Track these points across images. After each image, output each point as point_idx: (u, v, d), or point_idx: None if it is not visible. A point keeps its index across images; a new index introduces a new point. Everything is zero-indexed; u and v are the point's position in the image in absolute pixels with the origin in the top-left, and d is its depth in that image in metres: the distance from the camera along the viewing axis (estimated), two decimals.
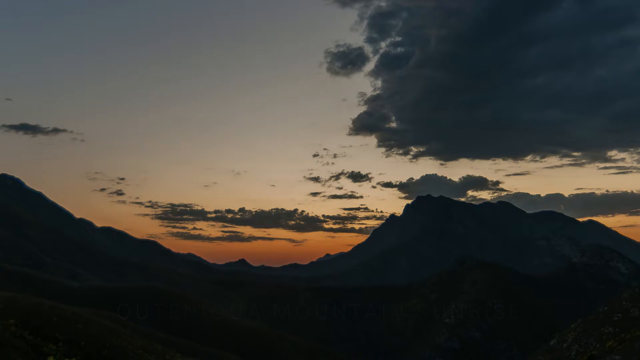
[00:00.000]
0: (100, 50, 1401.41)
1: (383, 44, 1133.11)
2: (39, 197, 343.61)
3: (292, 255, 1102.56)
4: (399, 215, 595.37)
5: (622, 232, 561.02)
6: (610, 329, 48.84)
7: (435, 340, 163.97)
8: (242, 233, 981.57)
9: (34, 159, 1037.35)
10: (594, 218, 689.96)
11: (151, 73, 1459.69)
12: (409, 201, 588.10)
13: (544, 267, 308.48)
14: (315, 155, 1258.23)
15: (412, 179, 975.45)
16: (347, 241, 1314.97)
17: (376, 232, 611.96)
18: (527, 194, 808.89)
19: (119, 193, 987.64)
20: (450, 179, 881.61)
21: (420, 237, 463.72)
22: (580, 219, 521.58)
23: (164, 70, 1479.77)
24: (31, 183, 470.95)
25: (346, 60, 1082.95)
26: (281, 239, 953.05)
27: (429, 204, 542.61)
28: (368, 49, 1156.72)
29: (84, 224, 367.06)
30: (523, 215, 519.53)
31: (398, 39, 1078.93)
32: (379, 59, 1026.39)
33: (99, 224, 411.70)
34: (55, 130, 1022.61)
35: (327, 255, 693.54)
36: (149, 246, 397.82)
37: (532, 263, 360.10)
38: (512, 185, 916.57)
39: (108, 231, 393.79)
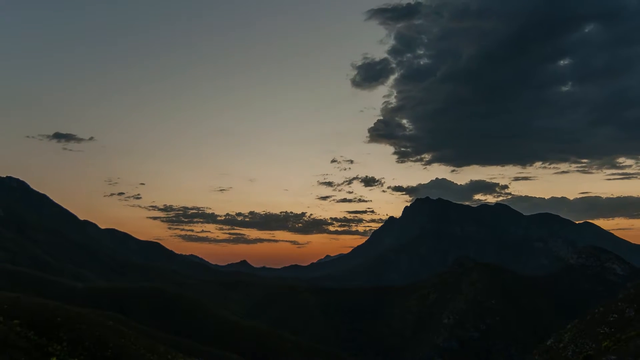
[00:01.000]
0: (118, 60, 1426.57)
1: (407, 57, 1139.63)
2: (43, 199, 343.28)
3: (294, 257, 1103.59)
4: (397, 217, 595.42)
5: (619, 234, 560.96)
6: (606, 329, 48.80)
7: (434, 340, 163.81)
8: (247, 235, 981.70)
9: (55, 164, 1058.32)
10: (595, 221, 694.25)
11: (173, 81, 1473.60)
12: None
13: (541, 268, 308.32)
14: (332, 162, 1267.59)
15: (420, 183, 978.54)
16: (350, 243, 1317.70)
17: (375, 234, 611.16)
18: (532, 197, 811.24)
19: (137, 197, 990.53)
20: (457, 184, 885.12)
21: (419, 238, 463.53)
22: (577, 221, 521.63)
23: (187, 78, 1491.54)
24: (37, 186, 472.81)
25: (370, 73, 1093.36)
26: (285, 241, 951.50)
27: (428, 207, 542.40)
28: (392, 61, 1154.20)
29: (88, 226, 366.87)
30: (520, 218, 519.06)
31: (422, 52, 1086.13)
32: (402, 71, 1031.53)
33: (117, 228, 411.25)
34: (91, 139, 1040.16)
35: (328, 256, 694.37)
36: (152, 248, 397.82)
37: (529, 264, 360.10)
38: (519, 190, 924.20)
39: (112, 233, 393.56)
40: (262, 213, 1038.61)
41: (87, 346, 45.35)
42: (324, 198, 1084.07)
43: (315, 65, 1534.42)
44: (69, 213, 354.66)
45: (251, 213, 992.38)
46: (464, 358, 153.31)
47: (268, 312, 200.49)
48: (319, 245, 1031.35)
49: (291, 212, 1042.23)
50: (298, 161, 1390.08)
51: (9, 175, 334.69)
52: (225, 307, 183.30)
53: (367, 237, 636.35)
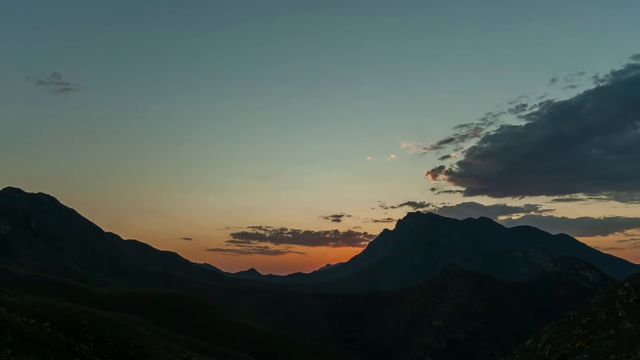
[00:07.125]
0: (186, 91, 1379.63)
1: (501, 122, 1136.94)
2: (71, 213, 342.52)
3: (298, 265, 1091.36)
4: (391, 229, 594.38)
5: (593, 245, 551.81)
6: (579, 331, 48.64)
7: (425, 341, 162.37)
8: (269, 247, 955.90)
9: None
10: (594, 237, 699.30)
11: (248, 119, 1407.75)
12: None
13: (521, 276, 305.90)
14: (404, 203, 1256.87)
15: (453, 206, 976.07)
16: (350, 254, 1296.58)
17: (371, 245, 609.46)
18: (542, 217, 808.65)
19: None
20: (484, 205, 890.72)
21: (411, 248, 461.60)
22: (554, 233, 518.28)
23: (260, 113, 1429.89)
24: (66, 202, 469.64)
25: (462, 132, 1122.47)
26: (297, 252, 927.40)
27: (419, 220, 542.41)
28: (484, 123, 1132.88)
29: (112, 237, 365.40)
30: (502, 230, 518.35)
31: (520, 121, 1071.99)
32: (489, 131, 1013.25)
33: (137, 239, 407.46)
34: None
35: (328, 265, 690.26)
36: (169, 257, 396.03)
37: (510, 272, 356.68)
38: (538, 214, 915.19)
39: (133, 243, 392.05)
40: (302, 230, 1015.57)
41: (110, 346, 45.33)
42: (366, 219, 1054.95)
43: (419, 120, 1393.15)
44: (94, 226, 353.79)
45: (293, 231, 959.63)
46: (451, 357, 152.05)
47: (274, 315, 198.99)
48: (330, 255, 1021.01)
49: (326, 231, 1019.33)
50: (365, 198, 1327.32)
51: (40, 191, 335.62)
52: (235, 310, 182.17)
53: (364, 248, 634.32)
